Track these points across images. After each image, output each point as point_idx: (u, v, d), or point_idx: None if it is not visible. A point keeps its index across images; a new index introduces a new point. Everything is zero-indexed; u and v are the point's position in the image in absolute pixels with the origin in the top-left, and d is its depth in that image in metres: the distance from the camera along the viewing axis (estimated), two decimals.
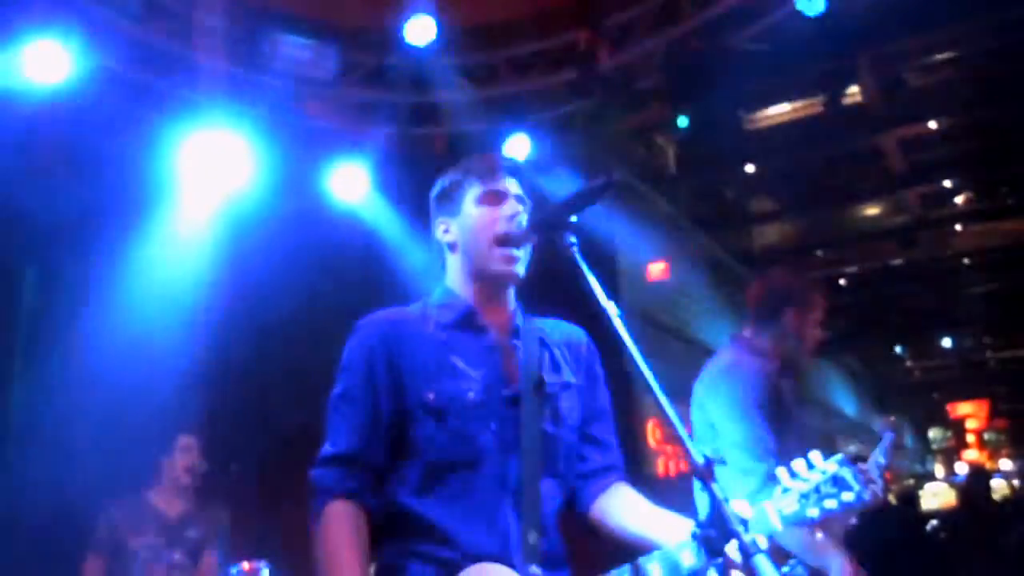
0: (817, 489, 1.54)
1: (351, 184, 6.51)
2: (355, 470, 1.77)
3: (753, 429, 2.79)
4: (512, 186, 1.93)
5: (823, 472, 1.54)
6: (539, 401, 1.81)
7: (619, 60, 6.13)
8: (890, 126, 9.69)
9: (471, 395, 1.77)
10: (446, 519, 1.72)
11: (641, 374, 1.65)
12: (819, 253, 14.12)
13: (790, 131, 9.54)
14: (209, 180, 5.71)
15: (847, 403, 20.05)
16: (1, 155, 4.72)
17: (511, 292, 1.96)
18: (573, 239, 1.72)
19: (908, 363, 23.02)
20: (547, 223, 1.79)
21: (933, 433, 27.77)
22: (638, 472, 8.90)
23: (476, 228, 1.89)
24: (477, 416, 1.76)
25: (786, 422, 2.88)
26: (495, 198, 1.91)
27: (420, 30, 5.74)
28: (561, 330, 2.01)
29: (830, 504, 1.52)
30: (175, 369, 5.06)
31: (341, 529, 1.70)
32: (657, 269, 9.79)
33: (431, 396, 1.76)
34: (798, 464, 1.56)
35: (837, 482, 1.53)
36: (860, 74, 8.18)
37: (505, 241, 1.86)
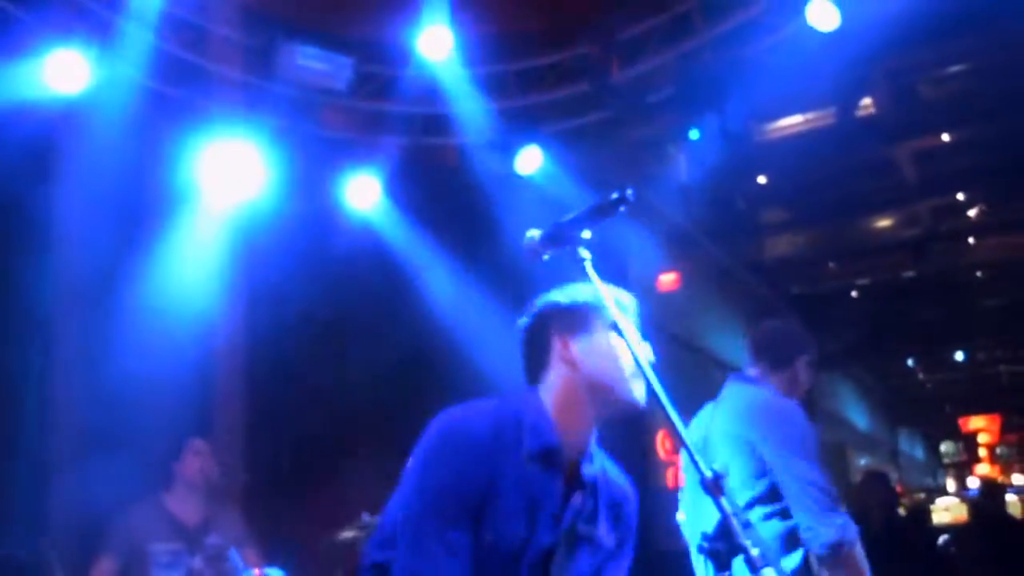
0: None
1: (364, 194, 6.56)
2: None
3: (821, 466, 2.82)
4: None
5: None
6: (569, 553, 1.83)
7: (632, 73, 6.15)
8: (903, 138, 9.67)
9: (524, 535, 1.78)
10: None
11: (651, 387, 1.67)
12: (831, 265, 14.08)
13: (802, 142, 9.52)
14: (224, 189, 5.76)
15: (859, 416, 19.95)
16: (19, 163, 4.78)
17: (595, 432, 1.95)
18: (587, 254, 1.75)
19: (920, 376, 22.89)
20: (560, 238, 1.82)
21: (945, 447, 27.59)
22: (647, 484, 8.89)
23: (614, 353, 1.89)
24: (521, 557, 1.78)
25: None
26: (630, 332, 1.85)
27: (433, 42, 5.78)
28: (613, 483, 1.99)
29: None
30: (189, 376, 5.10)
31: None
32: (668, 280, 9.80)
33: (490, 537, 1.75)
34: None
35: None
36: (873, 85, 8.17)
37: (639, 375, 1.83)
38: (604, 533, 1.91)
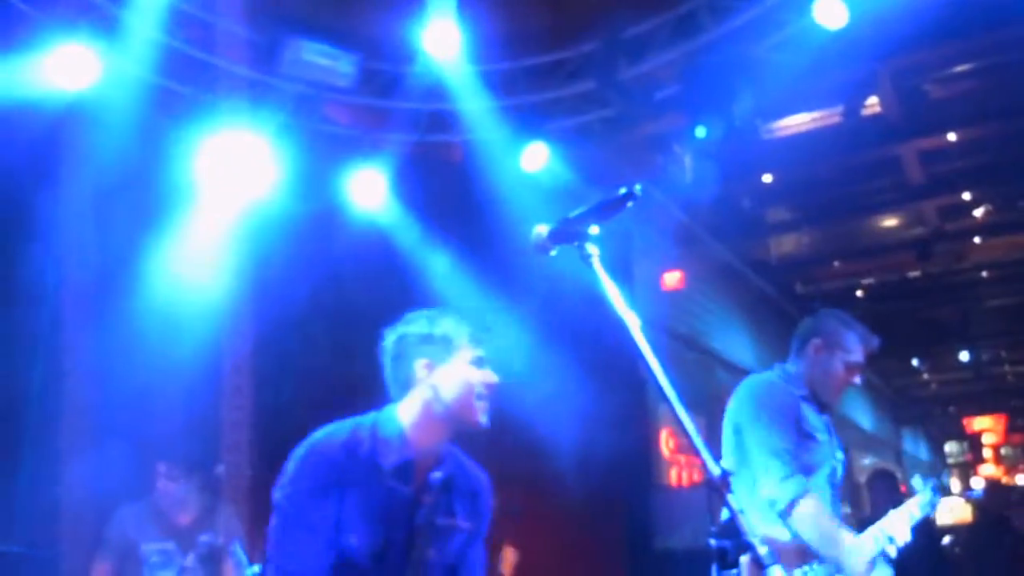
0: None
1: (369, 190, 6.56)
2: None
3: (775, 429, 2.94)
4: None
5: None
6: (434, 541, 2.18)
7: (638, 70, 6.14)
8: (909, 137, 9.62)
9: (381, 543, 2.10)
10: None
11: (657, 384, 1.66)
12: (836, 264, 14.05)
13: (808, 141, 9.49)
14: (230, 185, 5.77)
15: (863, 416, 19.91)
16: (26, 159, 4.78)
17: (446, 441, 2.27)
18: (595, 250, 1.74)
19: (925, 376, 22.84)
20: (568, 234, 1.81)
21: (949, 447, 27.53)
22: (651, 482, 8.88)
23: (468, 385, 2.20)
24: (377, 560, 2.10)
25: (803, 444, 2.96)
26: (483, 362, 2.25)
27: (439, 39, 5.78)
28: (469, 478, 2.33)
29: None
30: (196, 371, 5.10)
31: None
32: (672, 279, 9.78)
33: (353, 540, 2.08)
34: None
35: None
36: (879, 85, 8.14)
37: (485, 399, 2.21)
38: (463, 520, 2.26)
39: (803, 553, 2.86)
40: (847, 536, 2.92)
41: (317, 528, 2.07)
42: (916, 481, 3.53)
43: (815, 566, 2.87)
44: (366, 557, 2.09)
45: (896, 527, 3.09)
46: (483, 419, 2.21)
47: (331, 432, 2.20)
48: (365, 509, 2.10)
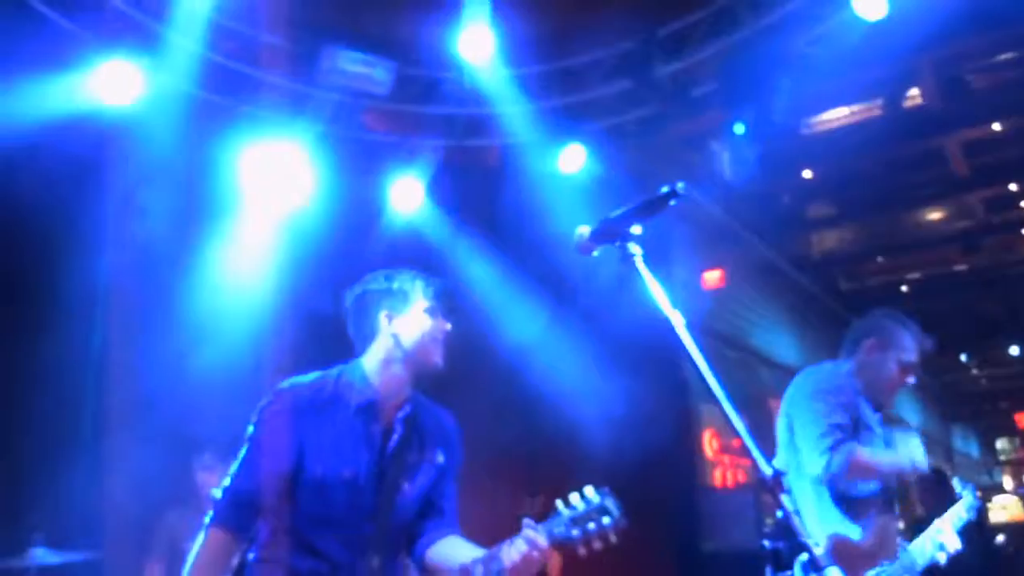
0: (583, 515, 1.99)
1: (406, 195, 6.60)
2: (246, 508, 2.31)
3: (823, 407, 2.94)
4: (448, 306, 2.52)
5: (590, 502, 2.01)
6: (398, 476, 2.36)
7: (675, 68, 6.10)
8: (952, 129, 9.44)
9: (348, 474, 2.29)
10: (320, 546, 2.28)
11: (702, 384, 1.64)
12: (880, 259, 13.82)
13: (849, 135, 9.35)
14: (271, 194, 5.85)
15: (911, 413, 19.57)
16: (72, 174, 4.89)
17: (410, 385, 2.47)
18: (637, 249, 1.73)
19: (974, 371, 22.37)
20: (610, 234, 1.80)
21: (1001, 444, 26.93)
22: (694, 483, 8.80)
23: (424, 331, 2.44)
24: (347, 490, 2.29)
25: (861, 434, 2.94)
26: (435, 311, 2.48)
27: (474, 43, 5.79)
28: (438, 418, 2.56)
29: (591, 526, 1.98)
30: (238, 376, 5.17)
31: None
32: (712, 277, 9.70)
33: (319, 470, 2.28)
34: (573, 497, 2.02)
35: (601, 510, 1.99)
36: (920, 76, 8.00)
37: (440, 343, 2.45)
38: (433, 456, 2.46)
39: (874, 554, 2.82)
40: (890, 452, 2.94)
41: (275, 455, 2.28)
42: (956, 484, 3.52)
43: (886, 566, 2.84)
44: (338, 486, 2.28)
45: (945, 535, 3.06)
46: (439, 360, 2.44)
47: (298, 378, 2.44)
48: (331, 442, 2.31)
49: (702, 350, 1.72)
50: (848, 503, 2.89)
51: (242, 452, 2.35)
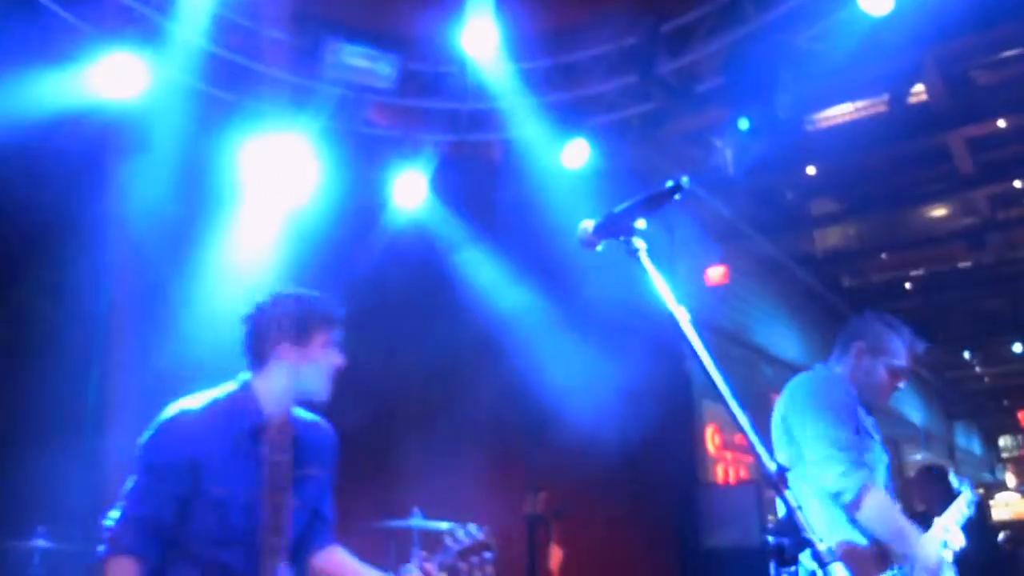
0: (468, 548, 2.27)
1: (410, 190, 6.59)
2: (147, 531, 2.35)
3: (832, 421, 2.89)
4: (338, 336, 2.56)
5: (474, 537, 2.29)
6: (287, 492, 2.45)
7: (679, 63, 6.08)
8: (957, 125, 9.39)
9: (243, 494, 2.38)
10: (222, 564, 2.36)
11: (705, 380, 1.64)
12: (884, 256, 13.79)
13: (853, 132, 9.32)
14: (274, 188, 5.84)
15: (913, 410, 19.55)
16: (75, 168, 4.88)
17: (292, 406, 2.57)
18: (642, 244, 1.72)
19: (977, 369, 22.32)
20: (614, 229, 1.79)
21: (1004, 441, 26.91)
22: (697, 479, 8.80)
23: (318, 368, 2.51)
24: (244, 509, 2.37)
25: (863, 441, 2.92)
26: (335, 347, 2.55)
27: (478, 37, 5.78)
28: (314, 431, 2.65)
29: (475, 559, 2.26)
30: (240, 369, 5.17)
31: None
32: (716, 274, 9.69)
33: (216, 492, 2.35)
34: (458, 531, 2.29)
35: (483, 545, 2.26)
36: (925, 72, 7.96)
37: (331, 378, 2.53)
38: (315, 469, 2.58)
39: (883, 558, 2.81)
40: (915, 530, 2.87)
41: (165, 481, 2.34)
42: (952, 479, 3.51)
43: (895, 570, 2.82)
44: (235, 505, 2.37)
45: (950, 532, 3.05)
46: (325, 395, 2.54)
47: (186, 402, 2.48)
48: (225, 464, 2.39)
49: (706, 346, 1.71)
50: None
51: (134, 478, 2.39)
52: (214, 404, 2.48)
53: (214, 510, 2.35)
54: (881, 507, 2.79)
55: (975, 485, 3.39)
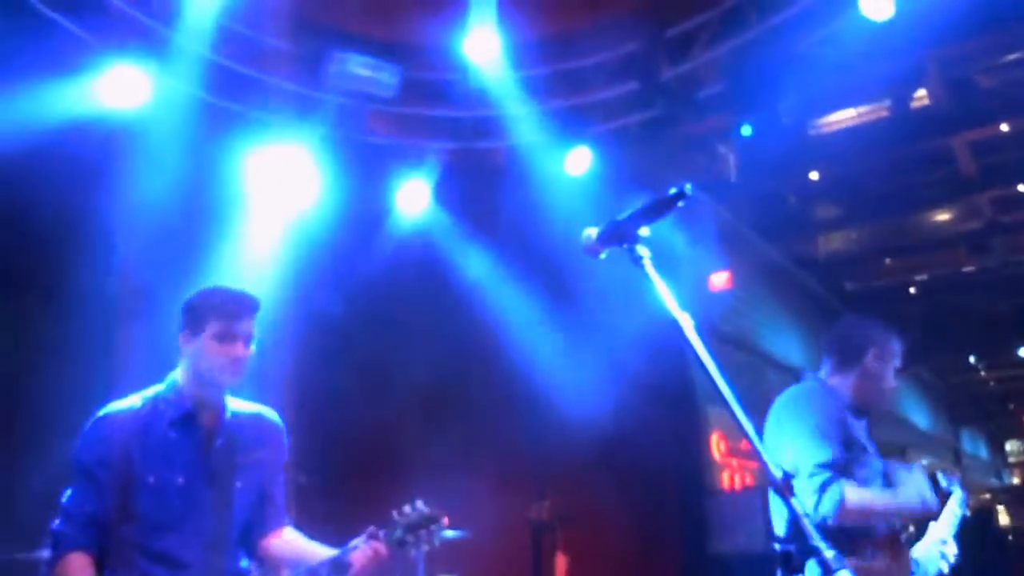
0: (416, 522, 2.26)
1: (413, 199, 6.60)
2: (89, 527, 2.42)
3: (816, 442, 2.80)
4: (248, 326, 2.53)
5: (421, 512, 2.27)
6: (230, 477, 2.50)
7: (681, 69, 6.09)
8: (959, 129, 9.40)
9: (180, 480, 2.44)
10: (168, 552, 2.41)
11: (710, 386, 1.64)
12: (887, 261, 13.77)
13: (856, 136, 9.33)
14: (278, 197, 5.86)
15: (919, 415, 19.50)
16: (80, 177, 4.90)
17: (224, 394, 2.58)
18: (646, 251, 1.72)
19: (982, 373, 22.25)
20: (617, 236, 1.79)
21: (1010, 446, 26.80)
22: (703, 486, 8.77)
23: (209, 358, 2.49)
24: (182, 494, 2.43)
25: (855, 459, 2.86)
26: (230, 338, 2.49)
27: (480, 45, 5.79)
28: (255, 419, 2.66)
29: (422, 533, 2.25)
30: (244, 378, 5.18)
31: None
32: (720, 279, 9.67)
33: (151, 479, 2.41)
34: (405, 507, 2.28)
35: (430, 519, 2.26)
36: (927, 76, 7.97)
37: (228, 371, 2.49)
38: (260, 453, 2.60)
39: (887, 572, 2.76)
40: (890, 491, 2.83)
41: (99, 478, 2.41)
42: (941, 479, 3.45)
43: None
44: (171, 492, 2.42)
45: (946, 544, 3.02)
46: (231, 381, 2.52)
47: (116, 402, 2.54)
48: (158, 454, 2.45)
49: (710, 352, 1.72)
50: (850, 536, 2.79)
51: (74, 479, 2.46)
52: (141, 401, 2.55)
53: (151, 497, 2.40)
54: (855, 498, 2.69)
55: (982, 490, 3.35)
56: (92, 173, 5.01)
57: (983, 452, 27.20)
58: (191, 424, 2.53)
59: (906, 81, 7.62)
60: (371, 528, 2.33)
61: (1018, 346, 19.26)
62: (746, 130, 5.80)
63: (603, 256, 1.86)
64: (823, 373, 3.16)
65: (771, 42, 5.68)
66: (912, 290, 14.38)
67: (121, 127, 5.19)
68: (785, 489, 1.46)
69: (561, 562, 6.14)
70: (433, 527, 2.29)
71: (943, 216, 12.64)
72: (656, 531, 7.60)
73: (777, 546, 1.40)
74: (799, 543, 1.45)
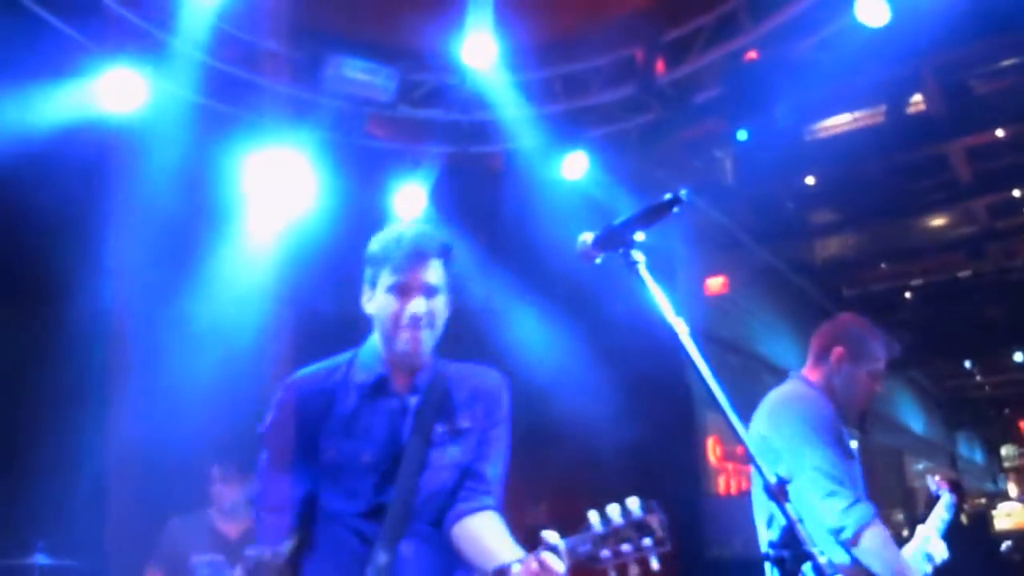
0: (616, 532, 1.63)
1: (410, 202, 6.60)
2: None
3: (830, 452, 2.78)
4: (426, 275, 2.16)
5: (628, 516, 1.63)
6: (423, 449, 2.16)
7: (678, 74, 6.10)
8: (955, 135, 9.43)
9: (367, 454, 2.15)
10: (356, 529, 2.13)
11: (705, 391, 1.64)
12: (883, 266, 13.80)
13: (852, 141, 9.35)
14: (274, 201, 5.86)
15: (915, 420, 19.54)
16: (77, 181, 4.90)
17: (419, 358, 2.22)
18: (641, 256, 1.73)
19: (978, 378, 22.31)
20: (613, 241, 1.80)
21: (1005, 451, 26.84)
22: (699, 490, 8.78)
23: (384, 315, 2.16)
24: (370, 469, 2.13)
25: (848, 464, 2.85)
26: (404, 290, 2.14)
27: (477, 49, 5.80)
28: (472, 377, 2.31)
29: (625, 547, 1.62)
30: (242, 386, 5.17)
31: None
32: (715, 284, 9.71)
33: (332, 454, 2.14)
34: (611, 508, 1.66)
35: (639, 526, 1.62)
36: (923, 82, 8.00)
37: (407, 329, 2.14)
38: (465, 421, 2.23)
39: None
40: (911, 566, 2.82)
41: (295, 462, 2.17)
42: (930, 482, 3.44)
43: None
44: (358, 467, 2.14)
45: (932, 544, 3.00)
46: (405, 348, 2.15)
47: (308, 367, 2.28)
48: (345, 426, 2.16)
49: (705, 357, 1.72)
50: None
51: (262, 462, 2.25)
52: (334, 364, 2.28)
53: (338, 477, 2.15)
54: (879, 544, 2.70)
55: (977, 495, 3.34)
56: (88, 177, 5.01)
57: (979, 456, 27.26)
58: (385, 389, 2.22)
59: (902, 86, 7.64)
60: (549, 534, 1.76)
61: (1013, 351, 19.30)
62: (742, 135, 5.80)
63: (598, 261, 1.86)
64: (805, 370, 3.12)
65: (766, 47, 5.69)
66: (908, 295, 14.42)
67: (117, 131, 5.19)
68: (779, 494, 1.46)
69: None
70: (645, 540, 1.66)
71: (939, 221, 12.68)
72: None
73: (771, 551, 1.40)
74: (793, 549, 1.44)
